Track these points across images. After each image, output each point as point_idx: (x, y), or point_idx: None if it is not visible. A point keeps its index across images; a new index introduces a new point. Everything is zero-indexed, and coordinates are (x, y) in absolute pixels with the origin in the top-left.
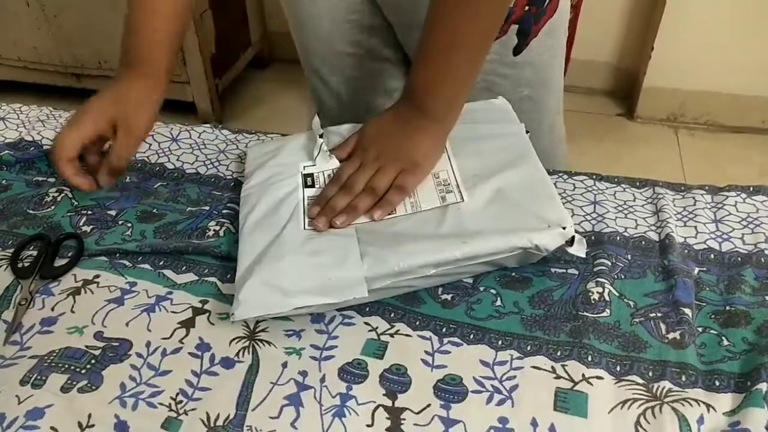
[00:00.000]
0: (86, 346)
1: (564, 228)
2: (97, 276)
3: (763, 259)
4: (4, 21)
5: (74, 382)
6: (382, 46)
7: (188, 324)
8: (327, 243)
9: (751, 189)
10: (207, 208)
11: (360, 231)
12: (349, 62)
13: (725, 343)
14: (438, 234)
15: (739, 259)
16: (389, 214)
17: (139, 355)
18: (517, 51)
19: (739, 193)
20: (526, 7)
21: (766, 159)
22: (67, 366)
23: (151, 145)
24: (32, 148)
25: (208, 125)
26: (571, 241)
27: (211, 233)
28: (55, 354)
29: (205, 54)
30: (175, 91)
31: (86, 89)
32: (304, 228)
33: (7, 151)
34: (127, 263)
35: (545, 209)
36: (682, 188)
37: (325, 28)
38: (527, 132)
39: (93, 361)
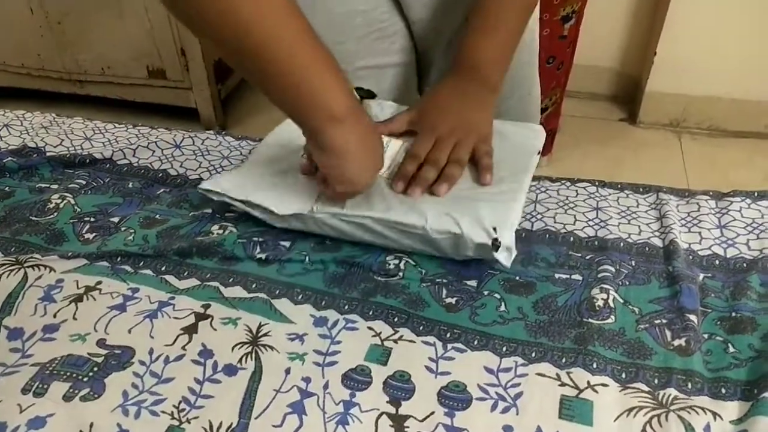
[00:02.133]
0: (89, 354)
1: (494, 229)
2: (99, 282)
3: None
4: (8, 28)
5: (76, 391)
6: (404, 51)
7: (191, 330)
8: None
9: (756, 194)
10: (209, 211)
11: None
12: (373, 73)
13: (731, 350)
14: (393, 198)
15: (745, 264)
16: None
17: (142, 363)
18: None
19: (743, 198)
20: None
21: None
22: (69, 374)
23: (154, 151)
24: (35, 155)
25: (211, 132)
26: (497, 247)
27: (214, 235)
28: (57, 361)
29: (207, 60)
30: (178, 98)
31: (89, 96)
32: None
33: (10, 158)
34: (129, 269)
35: (493, 210)
36: (686, 194)
37: (351, 49)
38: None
39: (95, 369)
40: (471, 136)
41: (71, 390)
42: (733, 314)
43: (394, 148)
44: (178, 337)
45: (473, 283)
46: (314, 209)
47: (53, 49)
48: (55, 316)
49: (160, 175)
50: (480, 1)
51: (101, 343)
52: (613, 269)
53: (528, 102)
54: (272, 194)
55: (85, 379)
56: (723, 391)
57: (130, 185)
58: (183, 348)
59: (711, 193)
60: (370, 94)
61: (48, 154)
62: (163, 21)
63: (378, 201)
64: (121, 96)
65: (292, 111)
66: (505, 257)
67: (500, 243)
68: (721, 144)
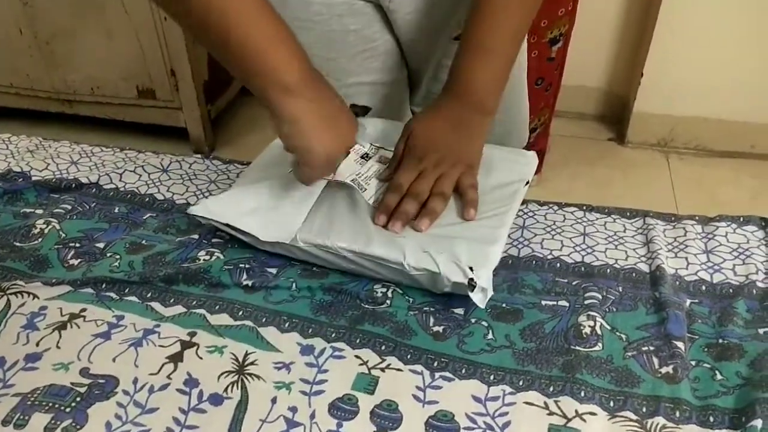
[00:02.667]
0: (71, 383)
1: (471, 269)
2: (84, 309)
3: (754, 291)
4: None
5: (58, 422)
6: (395, 68)
7: (176, 358)
8: (292, 199)
9: (741, 219)
10: (196, 236)
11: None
12: (364, 90)
13: (719, 377)
14: (375, 231)
15: (731, 290)
16: None
17: (126, 393)
18: None
19: (729, 223)
20: None
21: (757, 183)
22: (51, 404)
23: (141, 176)
24: (20, 179)
25: (199, 156)
26: (473, 287)
27: (201, 261)
28: (39, 392)
29: (197, 80)
30: (168, 118)
31: (78, 115)
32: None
33: None
34: (114, 296)
35: (472, 249)
36: (673, 218)
37: (343, 65)
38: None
39: (78, 399)
40: (457, 167)
41: (53, 421)
42: (720, 341)
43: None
44: (163, 365)
45: (460, 311)
46: (297, 238)
47: (42, 68)
48: (37, 344)
49: (147, 199)
50: (473, 24)
51: (85, 372)
52: (599, 296)
53: (517, 123)
54: (258, 220)
55: (68, 410)
56: (711, 419)
57: (116, 210)
58: (168, 377)
59: (697, 218)
60: (365, 110)
61: (33, 178)
62: (153, 41)
63: (360, 233)
64: (110, 116)
65: (249, 81)
66: (480, 298)
67: (476, 283)
68: (708, 164)
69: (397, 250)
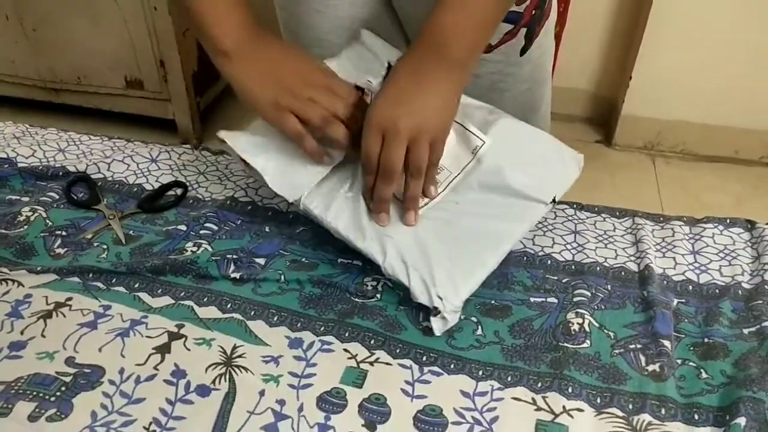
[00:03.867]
0: (57, 373)
1: (440, 297)
2: (70, 299)
3: (740, 292)
4: None
5: (42, 411)
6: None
7: (163, 349)
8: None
9: (728, 221)
10: (184, 228)
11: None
12: None
13: (704, 375)
14: (369, 223)
15: (717, 291)
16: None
17: (112, 382)
18: (523, 51)
19: (716, 225)
20: (534, 11)
21: (741, 187)
22: (35, 393)
23: (129, 165)
24: (6, 165)
25: (188, 146)
26: (436, 314)
27: (188, 253)
28: (23, 380)
29: (186, 72)
30: (156, 109)
31: (64, 104)
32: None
33: None
34: (101, 285)
35: (452, 274)
36: (661, 219)
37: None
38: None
39: (63, 389)
40: (425, 132)
41: (37, 410)
42: (706, 340)
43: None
44: (150, 356)
45: None
46: (301, 199)
47: (28, 56)
48: (22, 332)
49: (135, 189)
50: None
51: (70, 361)
52: (588, 293)
53: (537, 121)
54: (272, 166)
55: (52, 399)
56: (696, 417)
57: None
58: (155, 368)
59: (685, 219)
60: None
61: (19, 165)
62: (142, 31)
63: (355, 220)
64: (97, 106)
65: (201, 42)
66: (438, 326)
67: (440, 312)
68: (694, 168)
69: (381, 250)
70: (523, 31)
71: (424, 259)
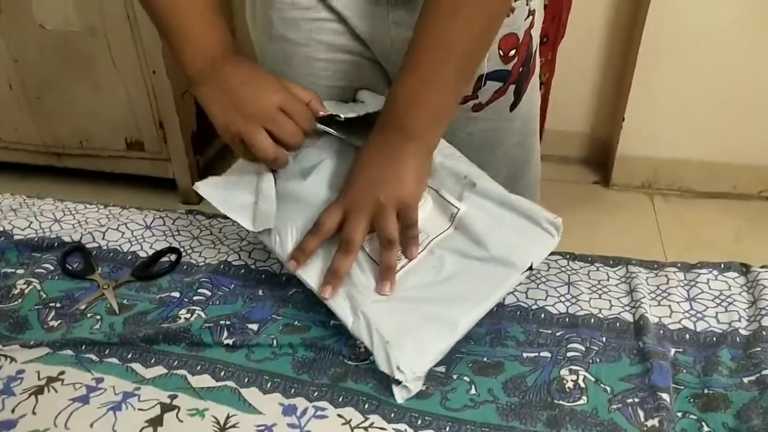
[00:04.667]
0: None
1: (399, 368)
2: (62, 372)
3: (738, 339)
4: None
5: None
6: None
7: (156, 422)
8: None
9: (722, 266)
10: (177, 295)
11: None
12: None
13: (705, 429)
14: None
15: (714, 339)
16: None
17: None
18: (513, 107)
19: (710, 270)
20: (521, 69)
21: (741, 222)
22: None
23: (124, 233)
24: (2, 238)
25: (182, 210)
26: (397, 383)
27: (181, 320)
28: None
29: (185, 132)
30: (156, 169)
31: (67, 168)
32: None
33: None
34: (94, 357)
35: (419, 342)
36: (655, 266)
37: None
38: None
39: None
40: (388, 202)
41: None
42: (706, 391)
43: None
44: (142, 429)
45: (442, 368)
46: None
47: (31, 122)
48: (13, 410)
49: (129, 257)
50: (418, 33)
51: None
52: (582, 347)
53: (529, 171)
54: (246, 213)
55: None
56: None
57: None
58: None
59: (679, 265)
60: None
61: (15, 237)
62: (142, 94)
63: (324, 271)
64: (99, 168)
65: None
66: (400, 395)
67: (400, 382)
68: (693, 204)
69: (349, 306)
70: (512, 88)
71: (392, 324)
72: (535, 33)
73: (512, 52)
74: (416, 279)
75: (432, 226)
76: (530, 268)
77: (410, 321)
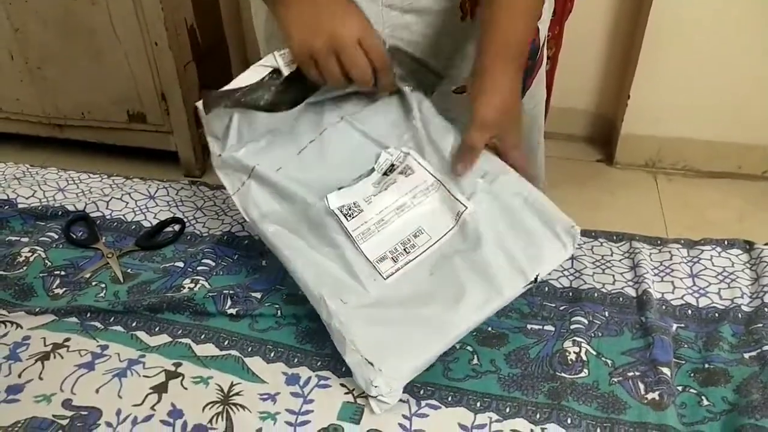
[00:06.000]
0: (53, 416)
1: (372, 383)
2: (68, 339)
3: (740, 315)
4: None
5: None
6: None
7: (161, 389)
8: None
9: (726, 242)
10: (181, 264)
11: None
12: None
13: (705, 402)
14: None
15: (716, 315)
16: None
17: (109, 425)
18: None
19: (714, 246)
20: (527, 62)
21: (745, 203)
22: None
23: (127, 203)
24: (6, 207)
25: (185, 181)
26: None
27: (185, 290)
28: (20, 425)
29: (188, 105)
30: (159, 141)
31: (69, 139)
32: None
33: None
34: (98, 325)
35: (399, 353)
36: (659, 242)
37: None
38: None
39: None
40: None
41: None
42: (707, 365)
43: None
44: (147, 396)
45: None
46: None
47: (33, 93)
48: (20, 375)
49: (133, 227)
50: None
51: (67, 404)
52: (585, 321)
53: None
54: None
55: None
56: None
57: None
58: (152, 408)
59: (682, 241)
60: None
61: (20, 206)
62: (144, 66)
63: (318, 273)
64: (100, 140)
65: None
66: (376, 408)
67: (374, 396)
68: (696, 184)
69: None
70: None
71: (373, 337)
72: (543, 26)
73: None
74: (410, 284)
75: (435, 224)
76: (535, 280)
77: (395, 331)
